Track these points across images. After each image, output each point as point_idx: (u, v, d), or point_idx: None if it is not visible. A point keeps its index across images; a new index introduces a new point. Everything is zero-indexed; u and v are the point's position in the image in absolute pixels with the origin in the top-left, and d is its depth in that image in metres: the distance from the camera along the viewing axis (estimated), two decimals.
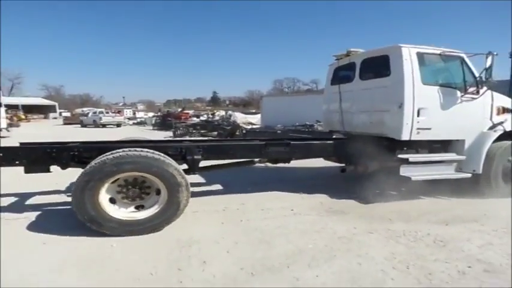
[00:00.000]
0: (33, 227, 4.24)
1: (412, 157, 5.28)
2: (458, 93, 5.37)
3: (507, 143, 5.59)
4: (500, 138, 5.57)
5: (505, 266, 3.21)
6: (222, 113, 36.35)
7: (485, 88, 5.43)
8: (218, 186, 6.50)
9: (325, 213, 4.88)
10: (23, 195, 5.60)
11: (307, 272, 3.11)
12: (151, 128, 31.00)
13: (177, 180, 4.05)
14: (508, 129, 5.64)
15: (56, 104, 64.49)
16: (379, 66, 5.63)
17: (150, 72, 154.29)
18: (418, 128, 5.21)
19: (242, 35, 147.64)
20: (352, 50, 6.34)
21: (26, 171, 4.37)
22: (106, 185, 3.97)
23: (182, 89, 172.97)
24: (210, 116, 33.37)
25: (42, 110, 57.56)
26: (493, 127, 5.61)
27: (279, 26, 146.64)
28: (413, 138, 5.25)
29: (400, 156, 5.30)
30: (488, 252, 3.51)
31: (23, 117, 39.44)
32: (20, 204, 5.25)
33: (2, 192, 5.50)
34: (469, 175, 5.39)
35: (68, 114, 46.61)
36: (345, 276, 3.02)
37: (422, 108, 5.20)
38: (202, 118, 31.02)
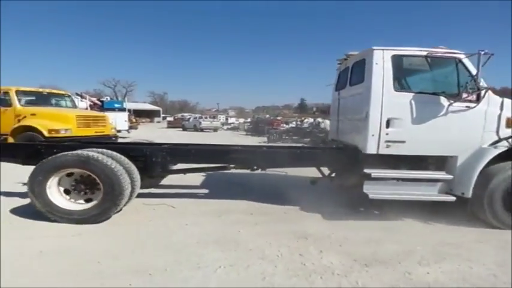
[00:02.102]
0: (175, 212, 5.31)
1: (375, 172, 4.72)
2: (445, 101, 4.65)
3: None
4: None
5: None
6: (311, 120, 36.57)
7: (484, 94, 4.58)
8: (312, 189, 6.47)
9: (431, 220, 4.99)
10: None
11: (419, 268, 3.42)
12: (244, 133, 32.86)
13: (111, 181, 4.49)
14: None
15: (160, 109, 72.20)
16: (359, 71, 5.20)
17: (241, 79, 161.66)
18: (387, 141, 4.72)
19: (327, 40, 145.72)
20: (350, 53, 5.86)
21: (23, 164, 5.13)
22: (54, 177, 4.59)
23: (270, 96, 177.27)
24: (299, 122, 33.89)
25: (148, 115, 64.87)
26: (497, 142, 4.69)
27: (364, 29, 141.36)
28: (382, 152, 4.75)
29: (365, 171, 4.77)
30: None
31: (134, 120, 45.03)
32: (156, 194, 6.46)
33: None
34: (453, 198, 4.67)
35: (171, 118, 51.71)
36: (455, 276, 3.27)
37: (394, 119, 4.68)
38: (291, 125, 31.74)
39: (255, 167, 5.40)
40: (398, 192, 4.77)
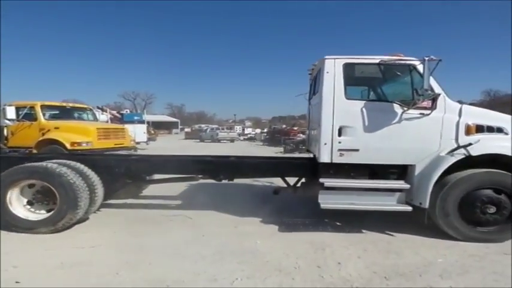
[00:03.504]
0: (192, 223, 5.34)
1: (328, 182, 4.68)
2: (399, 109, 4.56)
3: (473, 171, 4.39)
4: (485, 164, 4.41)
5: None
6: None
7: (440, 101, 4.49)
8: None
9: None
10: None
11: (440, 281, 3.33)
12: (261, 143, 32.93)
13: (66, 192, 4.59)
14: (474, 153, 4.35)
15: (178, 120, 73.50)
16: (317, 80, 5.23)
17: (257, 90, 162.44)
18: (340, 150, 4.68)
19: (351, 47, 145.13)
20: (316, 63, 5.78)
21: None
22: (13, 188, 4.70)
23: (287, 106, 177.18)
24: None
25: (166, 126, 66.00)
26: (455, 150, 4.46)
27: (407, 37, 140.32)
28: (336, 160, 4.71)
29: (320, 180, 4.72)
30: None
31: (153, 132, 45.89)
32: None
33: None
34: (410, 208, 4.52)
35: (188, 130, 52.42)
36: None
37: (346, 127, 4.66)
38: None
39: (222, 177, 5.48)
40: (354, 202, 4.69)
